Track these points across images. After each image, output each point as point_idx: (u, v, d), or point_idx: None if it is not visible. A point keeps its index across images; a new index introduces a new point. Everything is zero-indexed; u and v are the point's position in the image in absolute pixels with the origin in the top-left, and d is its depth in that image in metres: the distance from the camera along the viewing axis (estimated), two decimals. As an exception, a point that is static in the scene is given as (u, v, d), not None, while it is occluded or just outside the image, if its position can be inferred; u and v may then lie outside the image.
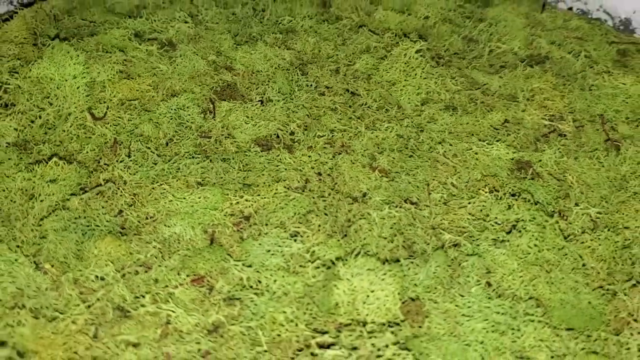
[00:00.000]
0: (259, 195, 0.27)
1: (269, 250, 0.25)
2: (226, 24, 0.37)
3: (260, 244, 0.25)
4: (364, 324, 0.22)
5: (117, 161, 0.28)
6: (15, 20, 0.34)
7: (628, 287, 0.24)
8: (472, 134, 0.31)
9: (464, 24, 0.38)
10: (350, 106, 0.33)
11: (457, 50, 0.37)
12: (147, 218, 0.26)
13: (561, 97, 0.33)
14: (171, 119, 0.31)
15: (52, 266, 0.23)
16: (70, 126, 0.29)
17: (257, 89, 0.33)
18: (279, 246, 0.25)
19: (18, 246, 0.24)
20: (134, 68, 0.33)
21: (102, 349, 0.21)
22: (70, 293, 0.22)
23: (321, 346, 0.21)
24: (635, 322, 0.22)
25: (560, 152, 0.30)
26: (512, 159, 0.29)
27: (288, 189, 0.27)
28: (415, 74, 0.34)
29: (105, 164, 0.28)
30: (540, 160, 0.29)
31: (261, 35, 0.36)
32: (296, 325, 0.22)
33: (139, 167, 0.28)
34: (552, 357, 0.21)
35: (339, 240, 0.25)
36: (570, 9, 0.38)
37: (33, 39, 0.33)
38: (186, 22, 0.37)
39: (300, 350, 0.21)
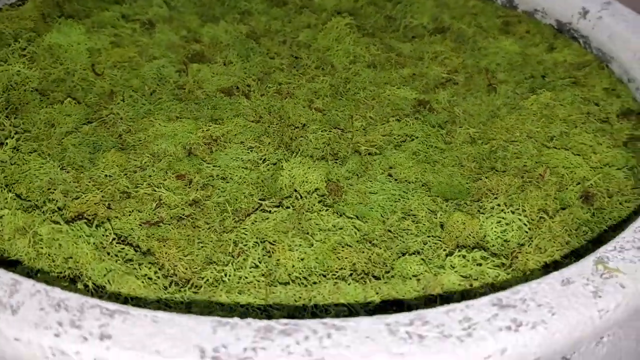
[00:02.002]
0: (223, 125, 0.37)
1: (232, 158, 0.34)
2: (194, 8, 0.47)
3: (226, 154, 0.35)
4: (300, 194, 0.32)
5: (114, 104, 0.38)
6: (28, 4, 0.43)
7: (490, 175, 0.34)
8: (387, 83, 0.41)
9: (386, 6, 0.49)
10: (294, 67, 0.43)
11: (379, 26, 0.47)
12: (140, 140, 0.35)
13: (457, 56, 0.44)
14: (154, 76, 0.40)
15: (73, 169, 0.33)
16: (77, 79, 0.39)
17: (220, 54, 0.43)
18: (239, 155, 0.34)
19: (46, 157, 0.33)
20: (122, 40, 0.43)
21: (115, 213, 0.30)
22: (87, 184, 0.32)
23: (269, 205, 0.31)
24: (491, 194, 0.33)
25: (452, 94, 0.40)
26: (415, 99, 0.39)
27: (246, 120, 0.37)
28: (345, 42, 0.44)
29: (105, 106, 0.37)
30: (436, 100, 0.40)
31: (222, 15, 0.46)
32: (252, 199, 0.32)
33: (132, 107, 0.37)
34: (429, 212, 0.31)
35: (283, 151, 0.35)
36: None
37: (43, 18, 0.42)
38: (161, 7, 0.47)
39: (255, 211, 0.31)
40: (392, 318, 0.21)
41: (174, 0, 0.46)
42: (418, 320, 0.21)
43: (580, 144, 0.34)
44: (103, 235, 0.28)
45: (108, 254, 0.26)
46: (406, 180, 0.33)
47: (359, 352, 0.19)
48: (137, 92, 0.38)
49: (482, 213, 0.31)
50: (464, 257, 0.27)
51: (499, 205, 0.31)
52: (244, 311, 0.25)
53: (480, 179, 0.33)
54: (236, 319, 0.20)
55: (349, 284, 0.26)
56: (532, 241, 0.28)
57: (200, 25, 0.44)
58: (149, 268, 0.26)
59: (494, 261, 0.27)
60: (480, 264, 0.27)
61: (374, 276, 0.27)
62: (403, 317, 0.21)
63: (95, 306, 0.20)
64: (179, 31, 0.43)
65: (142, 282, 0.25)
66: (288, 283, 0.26)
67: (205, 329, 0.20)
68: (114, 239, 0.27)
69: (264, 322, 0.20)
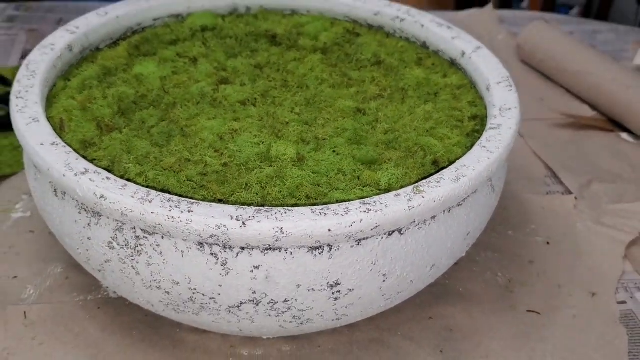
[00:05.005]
0: (240, 122, 0.64)
1: (245, 141, 0.61)
2: (222, 48, 0.75)
3: (241, 139, 0.60)
4: (281, 160, 0.59)
5: (177, 110, 0.66)
6: (119, 47, 0.71)
7: (390, 151, 0.61)
8: (340, 98, 0.68)
9: (345, 46, 0.76)
10: (284, 87, 0.70)
11: (340, 59, 0.75)
12: (193, 131, 0.61)
13: (386, 80, 0.71)
14: (199, 93, 0.68)
15: (158, 146, 0.61)
16: (154, 95, 0.67)
17: (238, 79, 0.71)
18: (249, 139, 0.61)
19: (142, 139, 0.61)
20: (178, 70, 0.70)
21: (183, 169, 0.58)
22: (167, 154, 0.59)
23: (264, 166, 0.58)
24: (388, 161, 0.60)
25: (379, 104, 0.67)
26: (356, 107, 0.65)
27: (253, 120, 0.65)
28: (317, 71, 0.72)
29: (171, 111, 0.65)
30: (369, 108, 0.67)
31: (240, 53, 0.74)
32: (255, 162, 0.59)
33: (186, 112, 0.65)
34: (352, 171, 0.59)
35: (274, 138, 0.62)
36: (401, 37, 0.77)
37: (129, 56, 0.70)
38: (201, 48, 0.75)
39: (256, 168, 0.58)
40: (315, 207, 0.48)
41: (209, 43, 0.74)
42: (325, 208, 0.49)
43: (441, 134, 0.61)
44: (180, 177, 0.55)
45: (183, 185, 0.54)
46: (342, 154, 0.59)
47: (296, 217, 0.47)
48: (189, 103, 0.65)
49: (381, 170, 0.58)
50: (361, 189, 0.55)
51: (390, 167, 0.59)
52: (250, 213, 0.53)
53: (385, 154, 0.59)
54: (245, 206, 0.48)
55: (302, 202, 0.54)
56: (399, 183, 0.56)
57: (226, 59, 0.72)
58: (204, 192, 0.54)
59: (377, 192, 0.55)
60: (369, 193, 0.55)
61: (315, 199, 0.54)
62: (320, 206, 0.48)
63: (184, 200, 0.48)
64: (212, 64, 0.71)
65: (201, 198, 0.53)
66: (272, 202, 0.54)
67: (232, 209, 0.48)
68: (185, 179, 0.55)
69: (257, 207, 0.48)
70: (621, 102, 0.79)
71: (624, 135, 0.80)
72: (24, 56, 0.89)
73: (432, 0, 2.83)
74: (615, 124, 0.83)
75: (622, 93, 0.78)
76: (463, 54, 0.68)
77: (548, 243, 0.67)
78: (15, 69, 0.94)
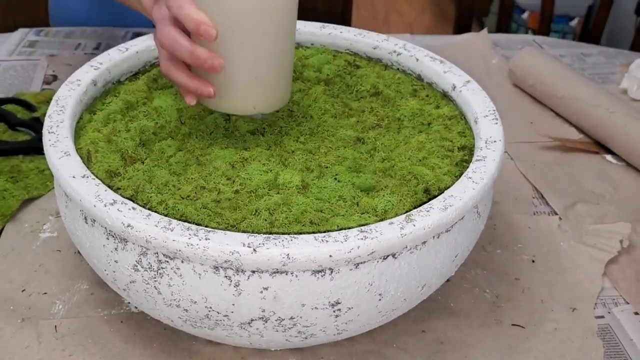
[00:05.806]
0: (250, 151, 0.70)
1: (254, 169, 0.67)
2: (233, 80, 0.81)
3: (251, 167, 0.67)
4: (287, 187, 0.65)
5: (192, 140, 0.72)
6: (139, 81, 0.77)
7: (387, 178, 0.67)
8: (341, 127, 0.74)
9: (346, 78, 0.82)
10: (289, 117, 0.76)
11: (341, 90, 0.80)
12: (207, 160, 0.68)
13: (383, 110, 0.77)
14: (212, 123, 0.74)
15: (176, 175, 0.67)
16: (172, 126, 0.73)
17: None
18: (258, 168, 0.67)
19: (162, 169, 0.67)
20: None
21: (199, 197, 0.64)
22: (184, 182, 0.65)
23: (272, 193, 0.64)
24: (385, 188, 0.66)
25: (377, 133, 0.73)
26: (355, 136, 0.71)
27: (262, 149, 0.71)
28: (320, 101, 0.77)
29: (187, 142, 0.71)
30: (367, 137, 0.72)
31: (249, 85, 0.80)
32: (264, 190, 0.65)
33: (201, 142, 0.71)
34: (352, 197, 0.65)
35: (281, 166, 0.68)
36: (398, 69, 0.83)
37: (148, 89, 0.77)
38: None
39: (265, 195, 0.64)
40: (317, 235, 0.54)
41: (221, 76, 0.80)
42: (327, 236, 0.54)
43: (433, 163, 0.67)
44: (197, 205, 0.61)
45: (200, 212, 0.60)
46: (343, 181, 0.65)
47: (301, 244, 0.53)
48: (203, 133, 0.71)
49: (377, 197, 0.64)
50: (360, 216, 0.61)
51: (386, 193, 0.65)
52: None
53: (381, 181, 0.65)
54: (256, 234, 0.54)
55: (306, 227, 0.60)
56: (395, 210, 0.62)
57: (238, 92, 0.78)
58: (218, 219, 0.60)
59: (374, 218, 0.61)
60: (367, 219, 0.60)
61: (318, 224, 0.60)
62: (322, 234, 0.54)
63: (202, 229, 0.55)
64: (224, 95, 0.77)
65: (215, 224, 0.59)
66: (279, 227, 0.60)
67: (244, 237, 0.54)
68: (201, 207, 0.61)
69: (266, 235, 0.54)
70: (605, 126, 0.84)
71: (609, 157, 0.86)
72: (45, 81, 0.96)
73: (433, 13, 2.88)
74: (601, 146, 0.88)
75: (606, 118, 0.84)
76: (454, 87, 0.74)
77: (533, 261, 0.72)
78: (39, 95, 1.00)
